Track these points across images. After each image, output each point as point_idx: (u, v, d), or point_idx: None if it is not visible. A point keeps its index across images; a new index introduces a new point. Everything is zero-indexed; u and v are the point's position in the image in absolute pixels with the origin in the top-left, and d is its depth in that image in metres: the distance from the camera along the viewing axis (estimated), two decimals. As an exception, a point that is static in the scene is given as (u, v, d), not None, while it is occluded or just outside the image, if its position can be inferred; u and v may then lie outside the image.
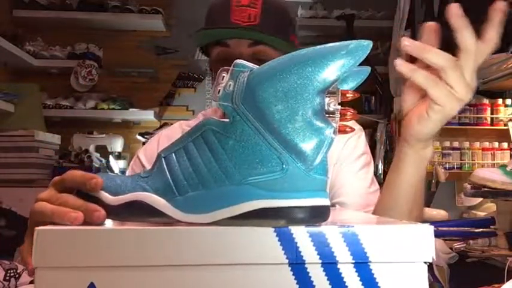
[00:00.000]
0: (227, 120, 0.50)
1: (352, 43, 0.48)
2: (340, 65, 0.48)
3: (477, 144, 2.57)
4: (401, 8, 2.99)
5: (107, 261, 0.46)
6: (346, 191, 1.05)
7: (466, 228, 2.17)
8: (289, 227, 0.47)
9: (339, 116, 0.49)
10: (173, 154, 0.52)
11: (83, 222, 0.51)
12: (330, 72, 0.48)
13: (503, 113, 2.58)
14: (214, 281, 0.47)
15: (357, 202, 1.02)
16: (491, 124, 2.59)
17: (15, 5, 3.25)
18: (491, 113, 2.58)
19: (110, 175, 0.55)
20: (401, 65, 0.71)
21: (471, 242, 2.06)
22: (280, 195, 0.48)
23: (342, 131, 0.50)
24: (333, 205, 1.04)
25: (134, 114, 3.29)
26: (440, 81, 0.69)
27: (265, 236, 0.47)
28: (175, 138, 1.16)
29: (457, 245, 2.03)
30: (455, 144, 2.56)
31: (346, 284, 0.47)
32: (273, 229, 0.47)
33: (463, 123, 2.58)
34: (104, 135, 3.29)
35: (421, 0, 2.88)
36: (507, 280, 1.37)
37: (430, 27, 0.73)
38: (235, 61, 0.51)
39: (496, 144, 2.58)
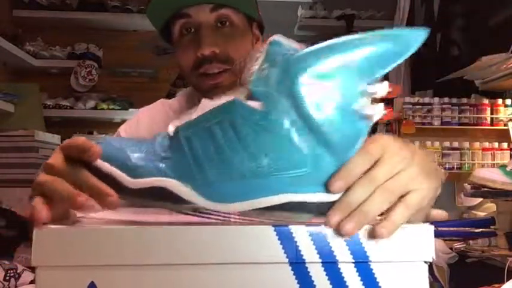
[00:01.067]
0: (257, 105, 0.46)
1: (402, 33, 0.45)
2: (386, 56, 0.45)
3: (477, 144, 2.57)
4: (401, 8, 2.99)
5: (107, 260, 0.46)
6: None
7: (466, 228, 2.17)
8: (289, 226, 0.47)
9: (378, 111, 0.47)
10: (195, 135, 0.47)
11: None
12: (374, 63, 0.45)
13: (503, 113, 2.58)
14: (215, 280, 0.47)
15: None
16: (491, 124, 2.59)
17: (15, 5, 3.25)
18: (491, 113, 2.58)
19: (119, 147, 0.49)
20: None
21: (471, 242, 2.06)
22: (309, 190, 0.47)
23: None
24: None
25: (134, 114, 3.29)
26: None
27: (266, 235, 0.47)
28: (157, 117, 1.13)
29: (457, 245, 2.03)
30: (455, 144, 2.56)
31: (347, 283, 0.47)
32: (273, 228, 0.47)
33: (463, 123, 2.58)
34: (103, 135, 3.29)
35: (421, 0, 2.88)
36: (507, 280, 1.37)
37: None
38: (270, 39, 0.47)
39: (496, 144, 2.58)
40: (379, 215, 0.49)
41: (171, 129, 0.50)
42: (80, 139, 0.50)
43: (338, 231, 0.46)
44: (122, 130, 1.14)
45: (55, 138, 2.88)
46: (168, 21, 0.99)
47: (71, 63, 3.29)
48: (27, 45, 3.16)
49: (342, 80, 0.45)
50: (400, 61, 0.46)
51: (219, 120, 0.46)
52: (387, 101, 0.46)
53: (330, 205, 0.47)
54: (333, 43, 0.45)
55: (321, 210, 0.47)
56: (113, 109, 3.24)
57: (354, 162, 0.48)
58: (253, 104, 0.46)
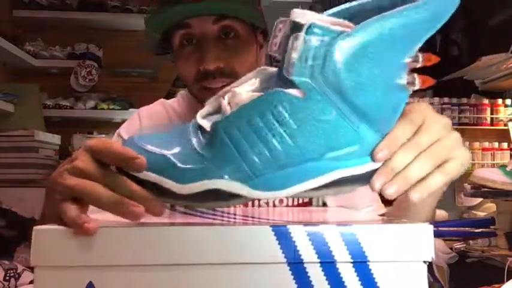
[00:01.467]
0: (299, 94, 0.46)
1: (437, 2, 0.45)
2: (426, 23, 0.45)
3: (477, 144, 2.57)
4: (401, 8, 2.99)
5: (105, 261, 0.46)
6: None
7: (466, 228, 2.16)
8: (287, 226, 0.47)
9: (419, 82, 0.47)
10: (236, 129, 0.46)
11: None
12: (416, 35, 0.45)
13: (503, 113, 2.58)
14: (212, 281, 0.46)
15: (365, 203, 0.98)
16: (491, 124, 2.59)
17: (15, 5, 3.25)
18: (491, 113, 2.58)
19: (158, 153, 0.48)
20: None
21: (471, 242, 2.06)
22: (357, 162, 0.48)
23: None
24: (324, 204, 1.02)
25: (133, 114, 3.29)
26: None
27: (263, 235, 0.47)
28: (157, 118, 1.11)
29: (457, 245, 2.03)
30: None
31: (345, 283, 0.47)
32: (271, 228, 0.47)
33: (463, 123, 2.58)
34: (103, 135, 3.29)
35: (421, 0, 2.88)
36: (507, 280, 1.37)
37: None
38: (308, 24, 0.44)
39: (496, 144, 2.58)
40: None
41: (206, 124, 0.49)
42: (115, 145, 0.48)
43: (383, 194, 0.49)
44: (124, 131, 1.10)
45: (55, 138, 2.88)
46: (168, 31, 0.95)
47: (71, 63, 3.28)
48: (27, 45, 3.16)
49: (385, 56, 0.45)
50: (437, 27, 0.46)
51: (260, 111, 0.46)
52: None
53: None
54: (373, 22, 0.45)
55: (368, 178, 0.49)
56: (113, 109, 3.24)
57: (396, 131, 0.50)
58: (295, 92, 0.45)
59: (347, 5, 0.49)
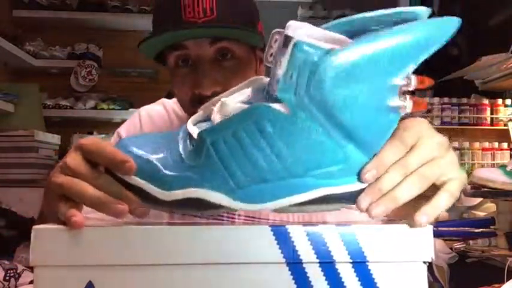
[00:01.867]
0: (284, 109, 0.45)
1: (437, 21, 0.44)
2: (421, 47, 0.45)
3: (477, 144, 2.57)
4: (401, 8, 2.99)
5: (105, 260, 0.46)
6: None
7: (466, 228, 2.16)
8: (287, 226, 0.47)
9: (411, 104, 0.46)
10: (221, 140, 0.47)
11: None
12: (408, 58, 0.45)
13: (503, 113, 2.58)
14: (212, 280, 0.47)
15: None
16: (491, 124, 2.59)
17: (15, 5, 3.25)
18: (491, 113, 2.58)
19: (145, 158, 0.48)
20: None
21: (471, 242, 2.05)
22: (342, 182, 0.48)
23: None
24: None
25: (133, 114, 3.28)
26: None
27: (263, 235, 0.47)
28: (157, 118, 1.08)
29: (457, 245, 2.03)
30: (455, 144, 2.56)
31: (344, 283, 0.47)
32: (270, 228, 0.47)
33: (462, 123, 2.58)
34: (103, 135, 3.28)
35: (421, 0, 2.88)
36: (507, 280, 1.37)
37: None
38: (295, 41, 0.44)
39: (496, 144, 2.58)
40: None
41: (194, 131, 0.49)
42: (107, 147, 0.49)
43: (368, 214, 0.48)
44: (123, 131, 1.08)
45: (55, 138, 2.88)
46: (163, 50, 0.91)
47: (71, 63, 3.28)
48: (27, 45, 3.16)
49: (373, 77, 0.44)
50: (432, 51, 0.45)
51: (245, 124, 0.46)
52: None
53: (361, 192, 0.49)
54: (364, 39, 0.44)
55: (354, 198, 0.49)
56: (113, 109, 3.23)
57: (385, 152, 0.49)
58: (279, 107, 0.45)
59: (350, 17, 0.48)
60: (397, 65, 0.44)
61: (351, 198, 0.49)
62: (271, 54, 0.46)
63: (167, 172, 0.48)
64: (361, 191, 0.49)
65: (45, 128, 2.94)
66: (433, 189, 0.50)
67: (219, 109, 0.49)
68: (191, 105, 0.89)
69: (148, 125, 1.07)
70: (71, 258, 0.46)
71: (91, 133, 3.27)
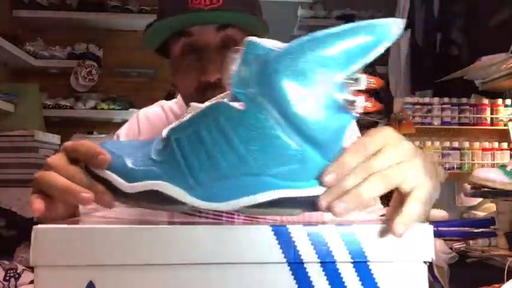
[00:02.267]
0: (240, 107, 0.46)
1: (379, 22, 0.45)
2: (366, 47, 0.45)
3: (477, 144, 2.57)
4: (401, 8, 2.99)
5: (106, 260, 0.46)
6: None
7: (466, 228, 2.17)
8: (287, 226, 0.47)
9: (361, 104, 0.46)
10: (184, 138, 0.48)
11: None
12: (355, 55, 0.45)
13: (503, 113, 2.57)
14: (213, 280, 0.46)
15: None
16: (491, 124, 2.59)
17: (15, 5, 3.25)
18: (491, 113, 2.58)
19: (117, 154, 0.51)
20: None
21: (471, 242, 2.05)
22: (299, 185, 0.48)
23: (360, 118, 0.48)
24: None
25: (132, 116, 3.28)
26: None
27: (264, 235, 0.47)
28: (155, 120, 1.09)
29: (457, 245, 2.03)
30: (455, 144, 2.56)
31: (345, 283, 0.47)
32: (271, 228, 0.47)
33: (462, 123, 2.57)
34: (103, 135, 3.29)
35: (421, 0, 2.88)
36: (507, 280, 1.37)
37: None
38: (246, 40, 0.47)
39: (496, 144, 2.58)
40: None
41: (164, 132, 0.51)
42: (86, 143, 0.52)
43: (332, 213, 0.47)
44: (123, 134, 1.09)
45: (55, 138, 2.88)
46: (168, 38, 0.91)
47: (71, 63, 3.28)
48: (27, 45, 3.16)
49: (321, 74, 0.45)
50: (378, 51, 0.46)
51: (205, 122, 0.48)
52: (376, 95, 0.46)
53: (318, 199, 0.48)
54: (308, 39, 0.45)
55: (311, 205, 0.48)
56: (113, 109, 3.23)
57: (346, 155, 0.48)
58: (237, 104, 0.47)
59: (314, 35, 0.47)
60: (341, 64, 0.45)
61: (308, 205, 0.48)
62: (230, 76, 0.47)
63: (134, 166, 0.49)
64: (315, 200, 0.48)
65: (45, 128, 2.94)
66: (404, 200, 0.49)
67: (189, 111, 0.50)
68: (196, 94, 0.89)
69: (146, 127, 1.08)
70: (72, 258, 0.46)
71: (91, 133, 3.27)
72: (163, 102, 1.13)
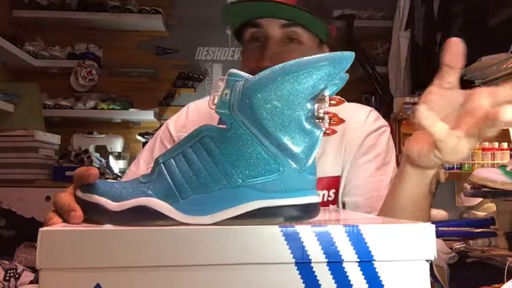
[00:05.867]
0: (224, 126, 0.52)
1: (337, 54, 0.52)
2: (327, 74, 0.52)
3: (477, 144, 2.57)
4: (401, 8, 3.00)
5: (113, 262, 0.46)
6: (359, 192, 1.01)
7: (466, 228, 2.17)
8: (295, 227, 0.47)
9: (328, 120, 0.53)
10: (172, 160, 0.53)
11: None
12: (318, 80, 0.52)
13: (503, 113, 2.57)
14: (221, 281, 0.47)
15: (367, 205, 0.99)
16: (491, 124, 2.58)
17: (15, 5, 3.25)
18: (491, 113, 2.58)
19: (107, 181, 0.56)
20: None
21: (471, 242, 2.06)
22: (277, 195, 0.51)
23: (324, 133, 0.53)
24: (343, 204, 1.03)
25: (134, 114, 3.29)
26: (452, 135, 0.64)
27: (273, 236, 0.47)
28: (205, 111, 1.15)
29: (457, 245, 2.03)
30: (455, 144, 2.56)
31: (351, 282, 0.48)
32: (280, 229, 0.47)
33: (463, 123, 2.58)
34: (103, 135, 3.29)
35: (421, 0, 2.88)
36: (507, 280, 1.37)
37: (455, 47, 0.71)
38: (230, 71, 0.54)
39: (496, 144, 2.58)
40: None
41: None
42: (79, 170, 0.57)
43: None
44: (171, 124, 1.15)
45: (55, 138, 2.89)
46: (242, 25, 1.02)
47: (71, 63, 3.29)
48: (27, 45, 3.16)
49: (292, 96, 0.51)
50: (338, 78, 0.53)
51: (191, 143, 0.53)
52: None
53: (299, 209, 0.52)
54: (282, 67, 0.52)
55: (290, 214, 0.51)
56: (113, 109, 3.23)
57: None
58: (221, 125, 0.53)
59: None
60: (311, 87, 0.52)
61: (287, 215, 0.51)
62: (215, 99, 0.53)
63: (123, 190, 0.54)
64: (296, 209, 0.51)
65: (45, 128, 2.95)
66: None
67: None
68: None
69: (194, 118, 1.13)
70: (79, 261, 0.46)
71: (91, 133, 3.27)
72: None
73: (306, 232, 0.47)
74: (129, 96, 3.38)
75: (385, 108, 3.01)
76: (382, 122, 1.09)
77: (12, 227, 2.31)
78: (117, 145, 3.30)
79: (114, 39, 3.46)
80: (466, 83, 2.57)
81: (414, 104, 2.57)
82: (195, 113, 1.14)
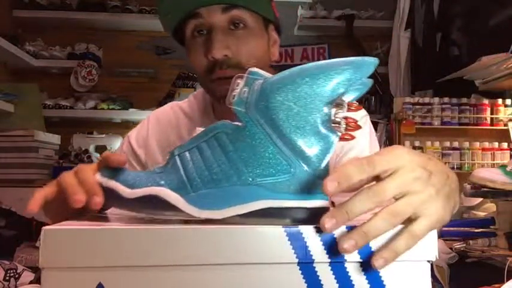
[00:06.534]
0: (240, 124, 0.53)
1: (358, 59, 0.51)
2: (346, 79, 0.51)
3: (477, 144, 2.57)
4: (401, 8, 3.00)
5: (115, 262, 0.46)
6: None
7: (466, 228, 2.17)
8: (299, 227, 0.48)
9: (344, 126, 0.52)
10: (187, 153, 0.54)
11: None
12: (338, 85, 0.51)
13: (503, 113, 2.58)
14: (224, 281, 0.47)
15: None
16: (491, 124, 2.59)
17: (15, 5, 3.25)
18: (491, 113, 2.58)
19: (126, 169, 0.57)
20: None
21: (471, 242, 2.06)
22: (287, 196, 0.51)
23: (342, 138, 0.52)
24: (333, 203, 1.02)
25: (134, 114, 3.28)
26: None
27: (276, 236, 0.47)
28: (164, 121, 1.12)
29: (457, 245, 2.03)
30: (455, 144, 2.56)
31: (353, 282, 0.48)
32: (284, 229, 0.47)
33: (463, 123, 2.58)
34: (103, 135, 3.28)
35: (421, 0, 2.88)
36: (507, 280, 1.37)
37: None
38: (249, 69, 0.53)
39: (496, 144, 2.58)
40: None
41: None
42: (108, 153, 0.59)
43: (337, 246, 0.47)
44: (133, 138, 1.11)
45: (55, 138, 2.88)
46: (181, 22, 0.96)
47: (71, 63, 3.28)
48: (27, 45, 3.16)
49: (310, 99, 0.51)
50: (361, 84, 0.52)
51: (207, 138, 0.54)
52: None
53: (306, 212, 0.51)
54: (302, 69, 0.52)
55: (297, 216, 0.51)
56: (113, 109, 3.23)
57: (349, 165, 0.48)
58: (237, 122, 0.53)
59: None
60: (330, 90, 0.51)
61: (295, 217, 0.51)
62: (233, 97, 0.53)
63: (137, 177, 0.55)
64: (304, 211, 0.50)
65: (45, 128, 2.94)
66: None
67: (195, 134, 0.56)
68: (206, 73, 0.93)
69: (155, 129, 1.10)
70: (81, 260, 0.46)
71: (91, 133, 3.26)
72: (174, 103, 1.16)
73: (309, 232, 0.48)
74: (129, 96, 3.37)
75: (385, 108, 3.01)
76: (364, 112, 1.06)
77: (12, 227, 2.30)
78: (117, 145, 3.29)
79: (114, 39, 3.45)
80: (466, 83, 2.58)
81: (414, 104, 2.57)
82: (156, 123, 1.11)
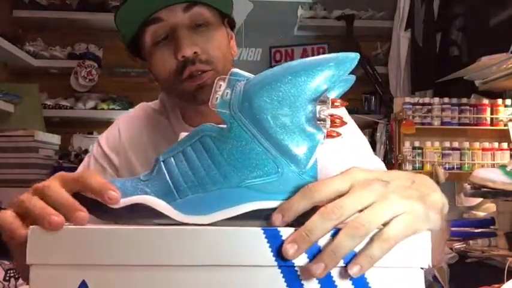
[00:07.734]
0: (224, 126, 0.52)
1: (340, 55, 0.51)
2: (329, 76, 0.50)
3: (477, 145, 2.56)
4: (401, 8, 2.99)
5: (99, 260, 0.47)
6: None
7: (466, 229, 2.17)
8: (279, 229, 0.47)
9: (329, 123, 0.51)
10: (172, 158, 0.53)
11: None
12: (321, 82, 0.50)
13: (503, 113, 2.57)
14: (204, 282, 0.47)
15: None
16: (491, 124, 2.58)
17: (15, 5, 3.25)
18: (491, 113, 2.57)
19: (109, 179, 0.54)
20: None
21: (471, 242, 2.06)
22: (275, 197, 0.50)
23: (329, 135, 0.52)
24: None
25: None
26: None
27: (255, 237, 0.47)
28: (137, 121, 1.07)
29: (457, 245, 2.03)
30: (455, 144, 2.56)
31: (338, 287, 0.47)
32: (262, 231, 0.47)
33: (462, 124, 2.57)
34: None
35: (421, 0, 2.88)
36: (507, 280, 1.38)
37: None
38: (232, 70, 0.52)
39: (496, 145, 2.58)
40: None
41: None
42: (96, 180, 0.52)
43: (306, 270, 0.46)
44: (103, 142, 1.08)
45: (55, 138, 2.88)
46: (137, 32, 0.93)
47: (71, 63, 3.28)
48: (27, 45, 3.16)
49: (293, 97, 0.51)
50: (344, 80, 0.52)
51: (191, 142, 0.53)
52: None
53: None
54: (284, 67, 0.52)
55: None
56: (113, 109, 3.23)
57: (294, 198, 0.49)
58: (221, 125, 0.52)
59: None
60: (313, 88, 0.51)
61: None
62: (216, 99, 0.52)
63: (122, 187, 0.53)
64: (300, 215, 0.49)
65: (45, 128, 2.94)
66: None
67: (179, 139, 0.55)
68: (177, 74, 0.91)
69: (125, 131, 1.07)
70: (65, 257, 0.47)
71: (91, 133, 3.26)
72: (144, 104, 1.13)
73: (289, 234, 0.47)
74: (129, 96, 3.37)
75: (385, 108, 3.01)
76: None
77: (12, 227, 2.30)
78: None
79: (114, 39, 3.44)
80: (466, 83, 2.57)
81: (414, 104, 2.57)
82: (127, 125, 1.08)
